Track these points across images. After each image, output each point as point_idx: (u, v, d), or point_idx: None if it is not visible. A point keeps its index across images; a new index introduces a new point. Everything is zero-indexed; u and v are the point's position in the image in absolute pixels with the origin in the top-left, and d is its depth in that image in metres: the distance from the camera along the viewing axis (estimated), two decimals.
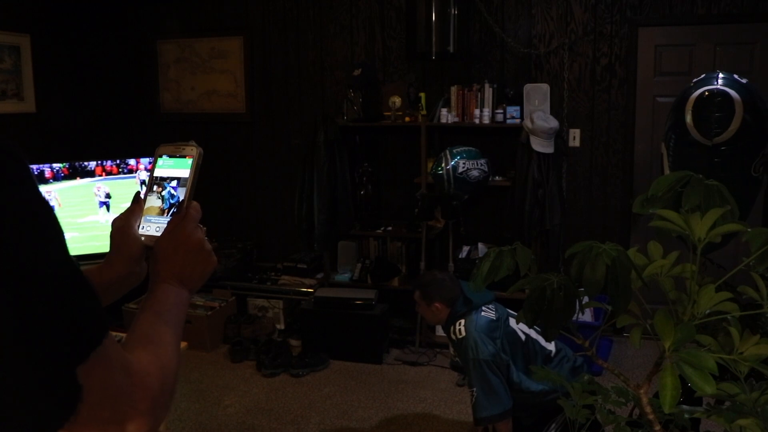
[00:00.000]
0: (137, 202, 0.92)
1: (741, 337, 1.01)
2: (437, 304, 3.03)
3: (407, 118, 4.68)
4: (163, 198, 0.91)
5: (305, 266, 5.04)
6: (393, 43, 4.93)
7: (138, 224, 0.91)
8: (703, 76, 2.75)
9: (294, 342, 4.68)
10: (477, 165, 4.34)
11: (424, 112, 4.57)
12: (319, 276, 4.99)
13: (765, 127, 2.57)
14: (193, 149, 0.91)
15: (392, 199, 5.09)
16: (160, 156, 0.93)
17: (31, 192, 0.63)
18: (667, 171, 2.80)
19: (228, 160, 5.49)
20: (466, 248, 4.78)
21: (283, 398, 3.98)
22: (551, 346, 2.97)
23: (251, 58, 5.31)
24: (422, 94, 4.64)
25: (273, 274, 5.15)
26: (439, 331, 4.71)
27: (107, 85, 5.69)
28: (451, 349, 3.44)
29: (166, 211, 0.90)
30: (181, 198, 0.90)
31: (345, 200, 4.69)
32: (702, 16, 4.32)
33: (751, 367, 1.01)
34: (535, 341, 2.94)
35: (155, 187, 0.92)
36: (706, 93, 2.58)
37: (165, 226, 0.89)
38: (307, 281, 4.97)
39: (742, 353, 1.01)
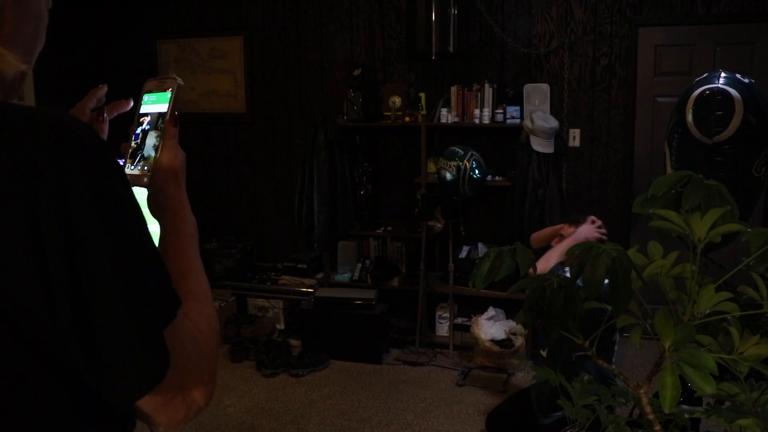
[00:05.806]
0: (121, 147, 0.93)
1: (741, 337, 1.01)
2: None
3: (407, 118, 4.68)
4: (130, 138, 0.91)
5: (305, 266, 5.03)
6: (393, 43, 4.93)
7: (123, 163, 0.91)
8: (705, 75, 2.75)
9: (294, 342, 4.68)
10: (448, 166, 4.25)
11: (424, 112, 4.56)
12: (319, 276, 4.99)
13: (767, 127, 2.57)
14: (173, 81, 0.91)
15: (392, 199, 5.09)
16: (146, 93, 0.93)
17: (122, 177, 0.70)
18: (669, 170, 2.80)
19: (228, 160, 5.49)
20: (466, 248, 4.77)
21: (283, 398, 3.98)
22: None
23: (251, 58, 5.31)
24: (422, 94, 4.63)
25: (273, 274, 5.15)
26: (440, 331, 4.71)
27: (107, 85, 5.68)
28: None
29: (131, 150, 0.90)
30: (165, 123, 0.89)
31: (345, 200, 4.69)
32: (702, 16, 4.32)
33: (751, 367, 1.01)
34: None
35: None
36: (707, 92, 2.58)
37: (144, 167, 0.87)
38: (307, 281, 4.97)
39: (742, 353, 1.01)
